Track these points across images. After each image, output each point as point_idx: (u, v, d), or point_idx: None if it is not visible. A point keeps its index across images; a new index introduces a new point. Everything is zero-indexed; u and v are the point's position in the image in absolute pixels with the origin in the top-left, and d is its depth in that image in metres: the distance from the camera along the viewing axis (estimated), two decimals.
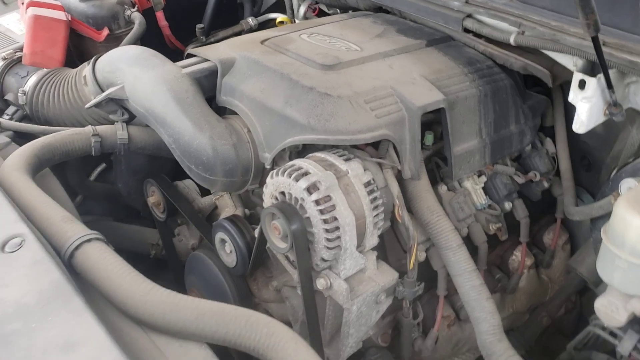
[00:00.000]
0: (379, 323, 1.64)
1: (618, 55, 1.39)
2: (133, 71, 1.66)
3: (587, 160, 1.89)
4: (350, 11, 2.15)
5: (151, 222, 2.25)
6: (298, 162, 1.42)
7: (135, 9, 2.27)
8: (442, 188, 1.65)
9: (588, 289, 1.97)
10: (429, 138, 1.63)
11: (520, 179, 1.78)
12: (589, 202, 1.86)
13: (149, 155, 1.90)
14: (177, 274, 2.02)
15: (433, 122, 1.65)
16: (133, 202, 2.28)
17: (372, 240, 1.44)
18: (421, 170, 1.55)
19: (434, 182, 1.64)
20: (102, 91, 1.74)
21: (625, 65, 1.38)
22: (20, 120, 1.96)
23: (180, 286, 1.82)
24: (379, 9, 2.07)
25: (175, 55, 1.75)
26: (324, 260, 1.39)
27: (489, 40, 1.75)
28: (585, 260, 1.69)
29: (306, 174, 1.36)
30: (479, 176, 1.73)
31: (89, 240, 1.22)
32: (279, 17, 2.42)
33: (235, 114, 1.62)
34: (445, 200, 1.63)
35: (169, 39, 2.49)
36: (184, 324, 1.09)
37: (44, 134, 1.68)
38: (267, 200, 1.47)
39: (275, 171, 1.42)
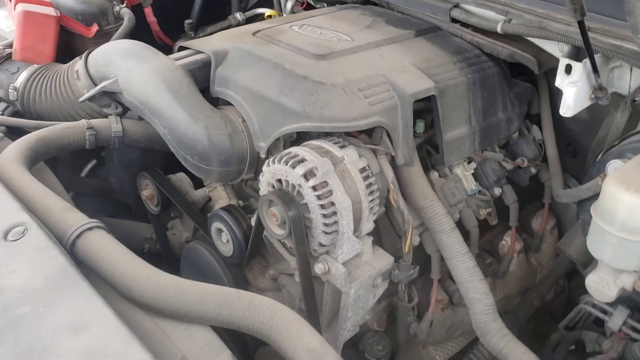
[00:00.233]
0: (374, 308, 1.67)
1: (603, 40, 1.43)
2: (126, 64, 1.67)
3: (573, 147, 1.94)
4: (337, 4, 2.18)
5: (143, 218, 2.26)
6: (294, 149, 1.44)
7: (124, 4, 2.28)
8: (434, 175, 1.69)
9: (576, 274, 2.02)
10: (420, 126, 1.66)
11: (509, 165, 1.82)
12: (575, 187, 1.91)
13: (142, 148, 1.91)
14: (172, 268, 2.03)
15: (423, 110, 1.68)
16: (125, 198, 2.28)
17: (368, 225, 1.47)
18: (414, 157, 1.58)
19: (425, 169, 1.67)
20: (95, 85, 1.75)
21: (609, 49, 1.43)
22: (12, 116, 1.95)
23: None
24: (366, 2, 2.11)
25: (164, 50, 1.76)
26: (321, 245, 1.42)
27: (476, 29, 1.79)
28: (574, 242, 1.73)
29: (303, 160, 1.39)
30: (469, 163, 1.77)
31: (90, 229, 1.23)
32: (267, 11, 2.44)
33: (229, 104, 1.64)
34: (437, 187, 1.67)
35: (158, 34, 2.49)
36: (188, 307, 1.11)
37: (37, 129, 1.68)
38: (264, 189, 1.49)
39: (271, 159, 1.44)
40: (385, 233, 1.64)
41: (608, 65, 1.53)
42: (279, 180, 1.43)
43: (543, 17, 1.57)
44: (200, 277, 1.80)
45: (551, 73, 1.76)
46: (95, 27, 2.18)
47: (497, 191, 1.78)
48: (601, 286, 1.30)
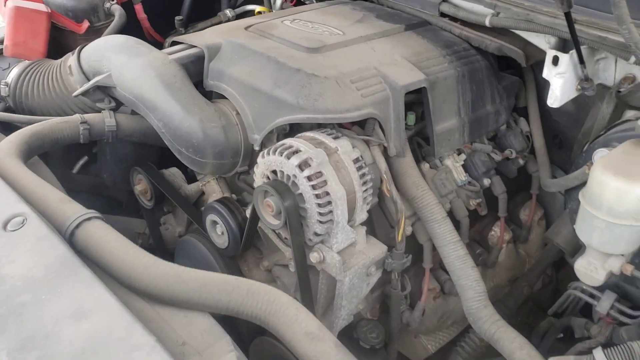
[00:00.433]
0: (368, 297, 1.69)
1: (588, 32, 1.47)
2: (120, 59, 1.69)
3: (559, 139, 1.98)
4: (327, 0, 2.20)
5: (135, 214, 2.26)
6: (289, 141, 1.46)
7: (115, 1, 2.28)
8: (425, 166, 1.72)
9: (564, 265, 2.06)
10: (411, 118, 1.69)
11: (497, 157, 1.86)
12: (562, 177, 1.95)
13: (135, 143, 1.92)
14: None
15: (414, 103, 1.71)
16: (117, 194, 2.29)
17: (361, 214, 1.50)
18: (405, 148, 1.61)
19: (417, 161, 1.69)
20: (88, 80, 1.76)
21: (595, 41, 1.47)
22: (3, 112, 1.95)
23: None
24: None
25: (154, 47, 1.77)
26: (316, 234, 1.44)
27: (465, 23, 1.82)
28: (561, 231, 1.77)
29: (297, 151, 1.41)
30: (459, 154, 1.81)
31: (89, 219, 1.24)
32: (257, 7, 2.46)
33: (223, 98, 1.66)
34: (428, 177, 1.70)
35: (148, 31, 2.50)
36: (188, 294, 1.12)
37: (29, 124, 1.68)
38: (259, 180, 1.51)
39: (266, 150, 1.46)
40: (378, 223, 1.67)
41: (594, 57, 1.56)
42: (274, 172, 1.45)
43: (530, 10, 1.60)
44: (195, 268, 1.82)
45: (538, 66, 1.80)
46: (86, 24, 2.18)
47: (486, 182, 1.81)
48: (590, 270, 1.34)
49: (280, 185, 1.41)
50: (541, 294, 2.11)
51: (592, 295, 1.48)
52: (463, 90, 1.73)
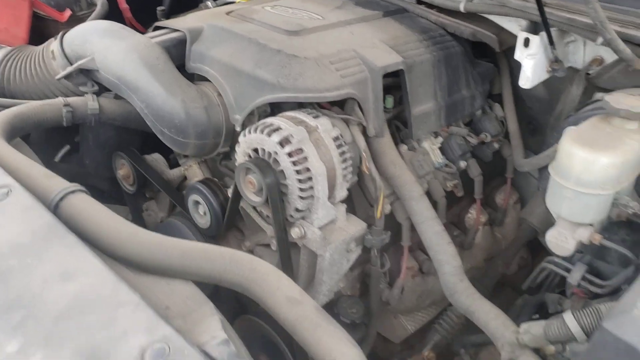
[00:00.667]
0: (348, 276, 1.73)
1: (558, 14, 1.53)
2: (103, 42, 1.71)
3: (532, 125, 2.04)
4: None
5: (117, 202, 2.27)
6: (270, 119, 1.50)
7: None
8: (403, 148, 1.77)
9: (540, 249, 2.12)
10: (389, 101, 1.74)
11: (473, 140, 1.91)
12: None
13: (118, 128, 1.94)
14: None
15: (392, 87, 1.76)
16: (100, 182, 2.29)
17: (341, 192, 1.54)
18: (384, 129, 1.66)
19: (395, 144, 1.74)
20: (71, 64, 1.78)
21: (564, 23, 1.53)
22: None
23: None
24: None
25: None
26: (297, 210, 1.47)
27: (441, 10, 1.88)
28: (535, 211, 1.83)
29: (278, 129, 1.45)
30: (436, 137, 1.86)
31: (73, 192, 1.26)
32: None
33: (205, 80, 1.69)
34: (406, 159, 1.74)
35: (130, 22, 2.52)
36: (171, 262, 1.14)
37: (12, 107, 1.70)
38: (240, 158, 1.54)
39: (247, 129, 1.50)
40: (358, 203, 1.71)
41: (563, 40, 1.63)
42: (255, 150, 1.49)
43: None
44: None
45: (511, 53, 1.85)
46: (68, 12, 2.20)
47: (462, 164, 1.86)
48: (560, 240, 1.39)
49: (262, 163, 1.45)
50: (517, 277, 2.17)
51: (566, 270, 1.53)
52: (439, 74, 1.78)
